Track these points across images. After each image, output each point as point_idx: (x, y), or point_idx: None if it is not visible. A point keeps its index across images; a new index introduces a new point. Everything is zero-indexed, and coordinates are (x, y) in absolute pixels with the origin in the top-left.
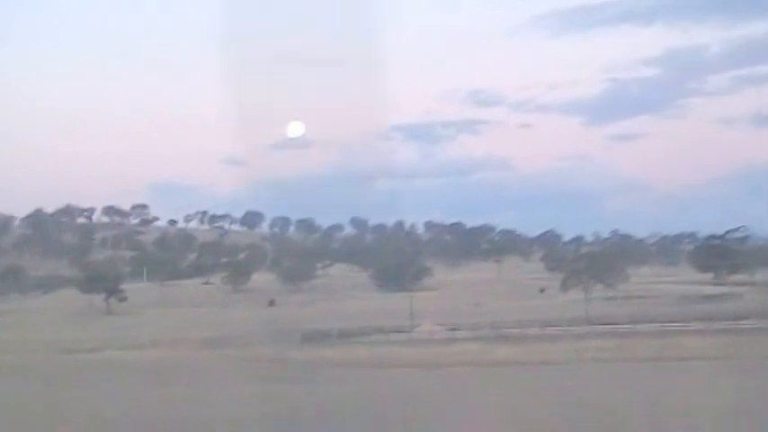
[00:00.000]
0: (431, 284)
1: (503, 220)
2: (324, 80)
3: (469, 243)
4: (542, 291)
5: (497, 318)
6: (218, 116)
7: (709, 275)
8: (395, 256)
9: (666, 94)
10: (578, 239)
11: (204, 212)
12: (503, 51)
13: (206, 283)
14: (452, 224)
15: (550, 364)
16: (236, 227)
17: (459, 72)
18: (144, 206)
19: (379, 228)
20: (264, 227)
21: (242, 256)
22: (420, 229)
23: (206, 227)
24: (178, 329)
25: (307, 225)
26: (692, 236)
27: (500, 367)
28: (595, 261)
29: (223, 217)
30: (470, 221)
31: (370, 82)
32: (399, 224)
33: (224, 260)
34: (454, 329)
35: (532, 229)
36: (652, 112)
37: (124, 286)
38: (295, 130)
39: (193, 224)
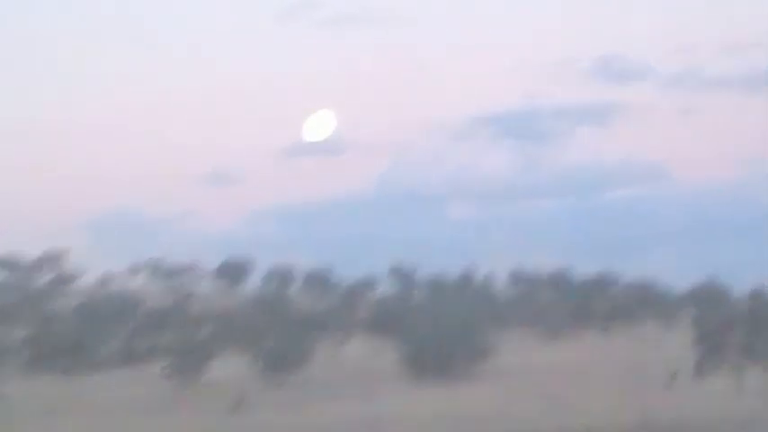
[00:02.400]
0: (498, 369)
1: (642, 263)
2: (363, 48)
3: (580, 303)
4: (674, 376)
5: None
6: (198, 113)
7: None
8: (444, 327)
9: None
10: (759, 294)
11: (156, 262)
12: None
13: (140, 377)
14: (554, 274)
15: None
16: (209, 282)
17: (578, 31)
18: (59, 255)
19: (435, 281)
20: (254, 282)
21: (205, 330)
22: (501, 283)
23: (161, 283)
24: None
25: (319, 279)
26: None
27: None
28: (754, 329)
29: (187, 268)
30: (588, 267)
31: (436, 49)
32: (467, 275)
33: (174, 338)
34: None
35: (687, 278)
36: None
37: (9, 384)
38: (319, 126)
39: (141, 279)
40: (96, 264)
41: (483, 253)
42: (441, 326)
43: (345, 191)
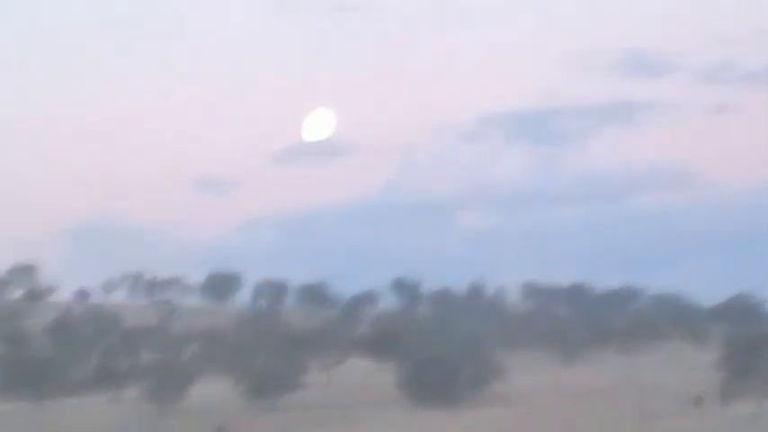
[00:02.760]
0: (508, 392)
1: (669, 276)
2: (365, 41)
3: (600, 319)
4: (699, 401)
5: None
6: (186, 113)
7: None
8: (449, 346)
9: None
10: None
11: (138, 276)
12: None
13: (116, 400)
14: (572, 287)
15: None
16: (195, 297)
17: (602, 21)
18: (30, 268)
19: (441, 296)
20: (243, 297)
21: (188, 349)
22: (514, 297)
23: (143, 300)
24: None
25: (315, 293)
26: None
27: None
28: None
29: (171, 282)
30: (609, 280)
31: (444, 41)
32: (476, 289)
33: (155, 358)
34: None
35: (718, 292)
36: None
37: None
38: (317, 127)
39: (120, 295)
40: (73, 276)
41: (495, 265)
42: (445, 345)
43: (346, 197)
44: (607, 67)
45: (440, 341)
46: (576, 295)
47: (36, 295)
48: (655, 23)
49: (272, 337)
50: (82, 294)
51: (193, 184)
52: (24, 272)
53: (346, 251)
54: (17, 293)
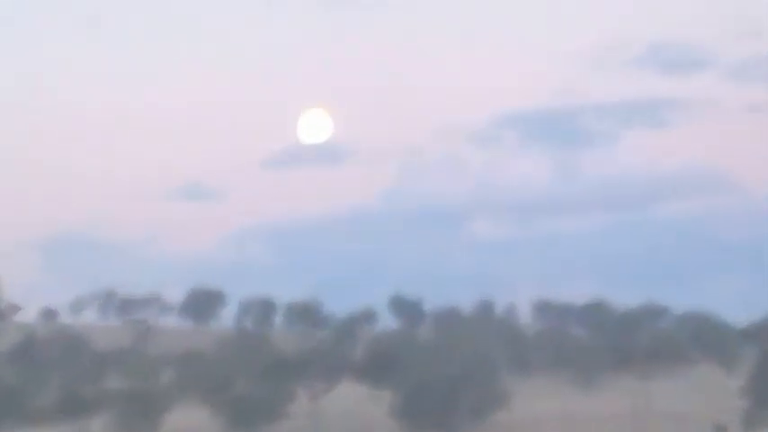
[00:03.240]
0: (514, 421)
1: (698, 293)
2: (366, 36)
3: (619, 341)
4: (721, 430)
5: None
6: (170, 117)
7: None
8: (451, 370)
9: None
10: None
11: (110, 293)
12: None
13: (86, 428)
14: (590, 305)
15: None
16: (174, 317)
17: (625, 12)
18: None
19: (445, 315)
20: (227, 317)
21: (164, 374)
22: (526, 315)
23: (115, 320)
24: None
25: (306, 312)
26: None
27: None
28: None
29: (147, 301)
30: (631, 298)
31: (452, 36)
32: (484, 308)
33: (127, 384)
34: None
35: (752, 310)
36: None
37: None
38: (312, 130)
39: (91, 315)
40: (39, 294)
41: (506, 280)
42: (446, 369)
43: (343, 205)
44: (630, 63)
45: (441, 365)
46: (594, 314)
47: None
48: (683, 15)
49: (256, 361)
50: (48, 314)
51: (176, 193)
52: None
53: (343, 265)
54: None
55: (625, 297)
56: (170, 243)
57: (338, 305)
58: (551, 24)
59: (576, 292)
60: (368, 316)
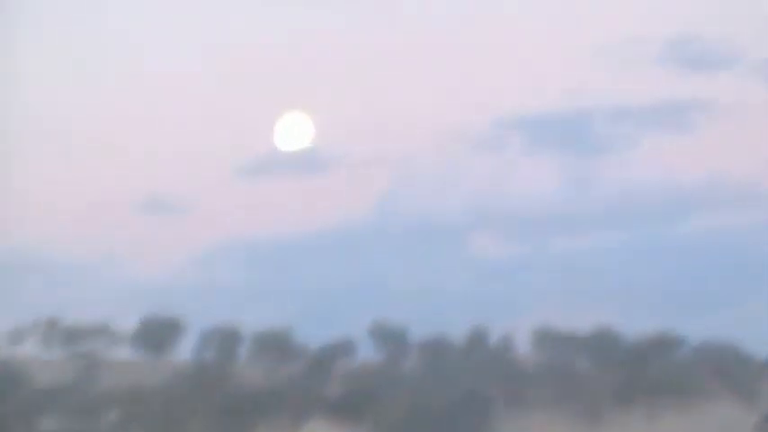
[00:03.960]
0: None
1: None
2: (353, 31)
3: (630, 373)
4: None
5: None
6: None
7: None
8: (437, 406)
9: None
10: None
11: (53, 322)
12: None
13: None
14: (598, 333)
15: None
16: (126, 349)
17: (644, 6)
18: None
19: (433, 345)
20: (186, 348)
21: (112, 413)
22: (526, 345)
23: (59, 352)
24: None
25: (276, 343)
26: None
27: None
28: None
29: (95, 331)
30: (644, 325)
31: (450, 31)
32: (477, 336)
33: (69, 424)
34: None
35: None
36: None
37: None
38: (294, 134)
39: (30, 346)
40: None
41: (505, 304)
42: (433, 404)
43: (325, 221)
44: (649, 61)
45: (426, 401)
46: (602, 344)
47: None
48: (707, 7)
49: (215, 397)
50: None
51: (133, 207)
52: None
53: (320, 289)
54: None
55: (638, 325)
56: (126, 264)
57: (315, 334)
58: (561, 22)
59: (583, 318)
60: (346, 346)
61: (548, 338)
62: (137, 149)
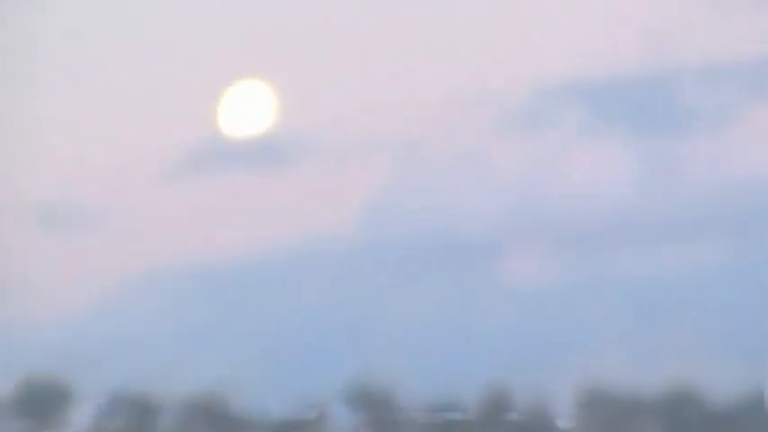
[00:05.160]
0: None
1: None
2: None
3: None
4: None
5: None
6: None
7: None
8: None
9: None
10: None
11: None
12: None
13: None
14: (667, 397)
15: None
16: (2, 422)
17: None
18: None
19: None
20: (81, 420)
21: None
22: (565, 413)
23: None
24: None
25: (209, 415)
26: None
27: None
28: None
29: None
30: (735, 383)
31: None
32: (496, 401)
33: None
34: None
35: None
36: None
37: None
38: (248, 116)
39: None
40: None
41: (543, 354)
42: None
43: (289, 238)
44: (749, 3)
45: None
46: (675, 410)
47: None
48: None
49: None
50: None
51: (27, 218)
52: None
53: (280, 333)
54: None
55: (727, 382)
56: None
57: (271, 399)
58: None
59: (651, 373)
60: (309, 418)
61: (601, 403)
62: (35, 141)
